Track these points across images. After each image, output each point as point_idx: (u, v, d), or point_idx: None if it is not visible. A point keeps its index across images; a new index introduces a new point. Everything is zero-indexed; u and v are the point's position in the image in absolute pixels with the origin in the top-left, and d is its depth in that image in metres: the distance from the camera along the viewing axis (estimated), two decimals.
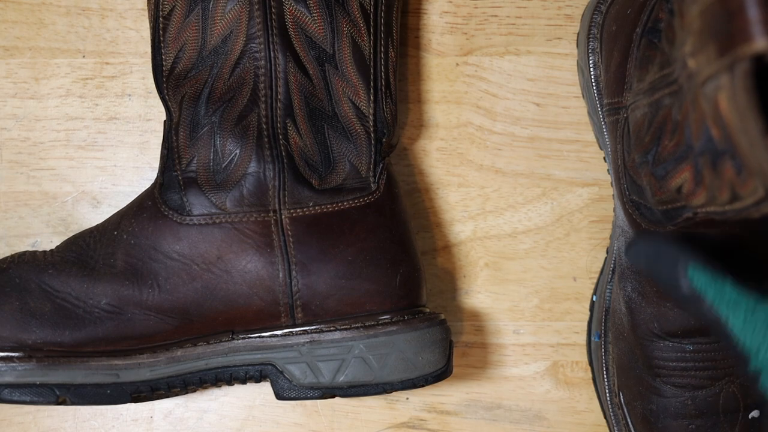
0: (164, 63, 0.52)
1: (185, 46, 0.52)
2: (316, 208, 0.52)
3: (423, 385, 0.51)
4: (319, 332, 0.51)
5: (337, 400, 0.59)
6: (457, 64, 0.60)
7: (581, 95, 0.59)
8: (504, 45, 0.60)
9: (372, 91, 0.53)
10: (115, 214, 0.54)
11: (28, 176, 0.60)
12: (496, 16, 0.61)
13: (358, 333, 0.51)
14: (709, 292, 0.36)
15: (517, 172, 0.60)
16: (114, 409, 0.59)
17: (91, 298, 0.50)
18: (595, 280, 0.60)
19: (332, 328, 0.51)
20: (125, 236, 0.52)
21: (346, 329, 0.51)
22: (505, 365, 0.59)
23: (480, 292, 0.60)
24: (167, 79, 0.52)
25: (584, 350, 0.59)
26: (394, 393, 0.59)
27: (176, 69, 0.52)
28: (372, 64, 0.53)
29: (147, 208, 0.52)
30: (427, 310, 0.54)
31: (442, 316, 0.53)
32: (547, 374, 0.59)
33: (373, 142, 0.53)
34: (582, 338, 0.59)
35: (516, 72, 0.60)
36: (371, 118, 0.53)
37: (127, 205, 0.53)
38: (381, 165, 0.53)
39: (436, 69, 0.60)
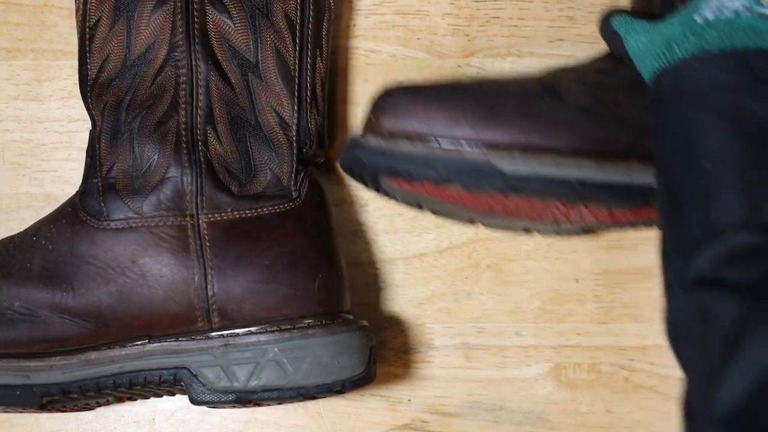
0: (89, 72, 0.53)
1: (110, 55, 0.53)
2: (235, 213, 0.52)
3: (340, 391, 0.51)
4: (234, 336, 0.51)
5: (339, 400, 0.59)
6: (459, 66, 0.60)
7: None
8: (506, 47, 0.60)
9: (296, 101, 0.53)
10: (37, 221, 0.54)
11: (31, 178, 0.60)
12: (498, 17, 0.61)
13: (273, 336, 0.51)
14: (622, 27, 0.48)
15: None
16: (116, 410, 0.59)
17: (4, 300, 0.51)
18: (597, 282, 0.59)
19: (248, 332, 0.51)
20: (43, 242, 0.52)
21: (261, 333, 0.51)
22: (508, 367, 0.59)
23: (482, 294, 0.60)
24: (91, 88, 0.53)
25: (585, 352, 0.59)
26: (396, 394, 0.59)
27: (100, 78, 0.53)
28: (297, 74, 0.53)
29: (67, 214, 0.53)
30: (349, 317, 0.54)
31: (364, 323, 0.53)
32: (550, 376, 0.59)
33: (295, 151, 0.53)
34: (584, 339, 0.59)
35: (518, 73, 0.60)
36: (294, 127, 0.53)
37: (50, 213, 0.54)
38: (303, 173, 0.54)
39: (439, 70, 0.60)
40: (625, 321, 0.59)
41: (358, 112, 0.60)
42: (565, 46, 0.60)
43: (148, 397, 0.55)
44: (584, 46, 0.60)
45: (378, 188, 0.52)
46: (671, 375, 0.59)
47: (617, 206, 0.49)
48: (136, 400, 0.56)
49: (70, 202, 0.53)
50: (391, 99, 0.50)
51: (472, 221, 0.55)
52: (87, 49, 0.53)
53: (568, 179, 0.48)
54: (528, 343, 0.59)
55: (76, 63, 0.60)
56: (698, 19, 0.43)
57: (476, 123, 0.49)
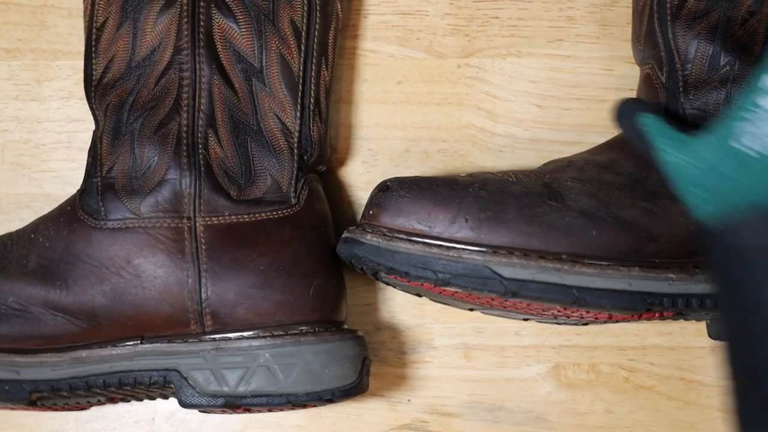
0: (94, 73, 0.53)
1: (115, 56, 0.53)
2: (232, 217, 0.52)
3: (330, 400, 0.51)
4: (226, 340, 0.51)
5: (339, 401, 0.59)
6: (459, 66, 0.60)
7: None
8: (506, 47, 0.60)
9: (299, 107, 0.53)
10: (36, 219, 0.54)
11: (30, 178, 0.60)
12: (497, 17, 0.61)
13: (265, 342, 0.51)
14: (654, 133, 0.44)
15: None
16: (116, 411, 0.59)
17: None
18: None
19: (239, 337, 0.51)
20: (41, 239, 0.52)
21: (253, 338, 0.51)
22: (507, 367, 0.59)
23: None
24: (95, 88, 0.53)
25: (585, 352, 0.59)
26: (395, 394, 0.59)
27: (105, 79, 0.53)
28: (301, 81, 0.53)
29: (66, 213, 0.53)
30: (344, 326, 0.53)
31: (359, 333, 0.53)
32: (549, 376, 0.59)
33: (296, 158, 0.53)
34: (583, 340, 0.59)
35: (518, 74, 0.60)
36: (296, 134, 0.53)
37: (49, 211, 0.54)
38: (303, 180, 0.54)
39: (438, 71, 0.60)
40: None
41: (357, 112, 0.60)
42: (565, 47, 0.60)
43: (141, 399, 0.55)
44: (584, 46, 0.60)
45: (377, 279, 0.52)
46: (671, 375, 0.59)
47: (617, 311, 0.49)
48: (129, 401, 0.56)
49: (71, 201, 0.54)
50: (391, 196, 0.50)
51: (472, 310, 0.55)
52: (93, 49, 0.53)
53: (567, 285, 0.48)
54: (527, 343, 0.59)
55: (75, 63, 0.60)
56: (738, 146, 0.39)
57: (477, 225, 0.48)
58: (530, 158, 0.60)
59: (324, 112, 0.55)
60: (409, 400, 0.59)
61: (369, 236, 0.50)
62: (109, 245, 0.51)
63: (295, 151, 0.53)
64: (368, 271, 0.51)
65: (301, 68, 0.53)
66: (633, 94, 0.59)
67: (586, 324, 0.55)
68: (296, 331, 0.51)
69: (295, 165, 0.53)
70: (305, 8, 0.53)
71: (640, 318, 0.51)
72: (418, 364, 0.59)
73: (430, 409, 0.59)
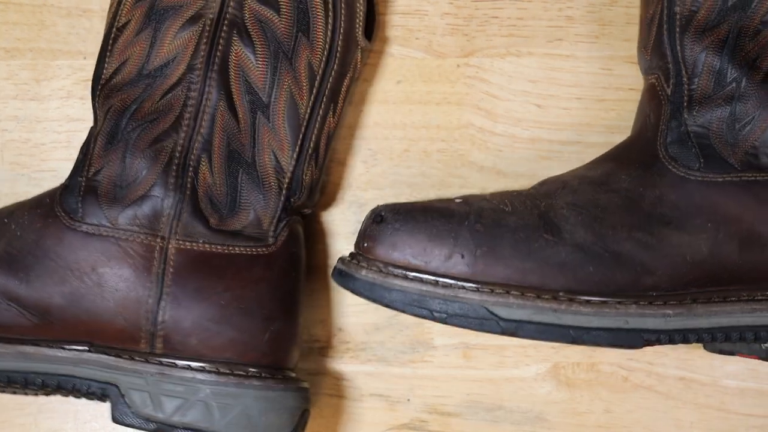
0: (104, 71, 0.53)
1: (129, 60, 0.53)
2: (206, 245, 0.52)
3: None
4: (171, 366, 0.51)
5: (339, 400, 0.59)
6: (458, 66, 0.60)
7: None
8: (505, 46, 0.60)
9: (297, 149, 0.53)
10: (13, 203, 0.54)
11: (30, 178, 0.60)
12: (496, 17, 0.61)
13: (209, 377, 0.50)
14: None
15: (518, 173, 0.60)
16: None
17: None
18: None
19: (186, 366, 0.51)
20: (14, 226, 0.52)
21: (198, 370, 0.51)
22: (506, 366, 0.59)
23: None
24: (102, 87, 0.53)
25: (584, 351, 0.59)
26: (395, 394, 0.59)
27: (113, 80, 0.53)
28: (305, 124, 0.53)
29: (44, 205, 0.53)
30: (292, 375, 0.53)
31: (305, 384, 0.53)
32: (548, 375, 0.59)
33: (283, 198, 0.53)
34: None
35: (517, 73, 0.60)
36: (289, 174, 0.53)
37: (28, 199, 0.54)
38: (284, 222, 0.53)
39: (437, 70, 0.60)
40: None
41: (357, 112, 0.60)
42: (564, 46, 0.60)
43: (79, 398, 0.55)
44: (583, 45, 0.60)
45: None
46: (670, 374, 0.59)
47: (614, 348, 0.50)
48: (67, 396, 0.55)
49: (51, 194, 0.53)
50: (386, 229, 0.49)
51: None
52: (109, 47, 0.53)
53: (564, 326, 0.48)
54: (527, 342, 0.59)
55: (74, 63, 0.60)
56: None
57: (473, 261, 0.48)
58: (529, 158, 0.60)
59: (321, 158, 0.55)
60: (408, 400, 0.59)
61: (364, 272, 0.49)
62: (78, 248, 0.51)
63: (284, 191, 0.53)
64: (365, 300, 0.51)
65: (308, 111, 0.53)
66: (633, 94, 0.59)
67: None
68: (242, 372, 0.51)
69: (281, 205, 0.53)
70: (325, 53, 0.53)
71: (638, 349, 0.51)
72: (418, 363, 0.59)
73: (429, 409, 0.59)
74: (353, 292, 0.50)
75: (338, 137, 0.60)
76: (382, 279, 0.49)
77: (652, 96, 0.54)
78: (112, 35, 0.53)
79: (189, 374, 0.50)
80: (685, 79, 0.52)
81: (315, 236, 0.60)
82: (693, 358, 0.59)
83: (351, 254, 0.51)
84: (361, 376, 0.59)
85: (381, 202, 0.59)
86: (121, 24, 0.53)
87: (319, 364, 0.59)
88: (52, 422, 0.59)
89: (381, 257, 0.49)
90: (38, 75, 0.60)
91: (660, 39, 0.53)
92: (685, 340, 0.49)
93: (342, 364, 0.59)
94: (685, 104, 0.51)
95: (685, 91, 0.52)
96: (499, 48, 0.60)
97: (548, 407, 0.59)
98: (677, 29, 0.52)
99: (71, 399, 0.57)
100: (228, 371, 0.51)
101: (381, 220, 0.50)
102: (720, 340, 0.50)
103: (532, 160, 0.60)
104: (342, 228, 0.60)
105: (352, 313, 0.59)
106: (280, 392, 0.51)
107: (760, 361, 0.55)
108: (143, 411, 0.50)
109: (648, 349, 0.59)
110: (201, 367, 0.51)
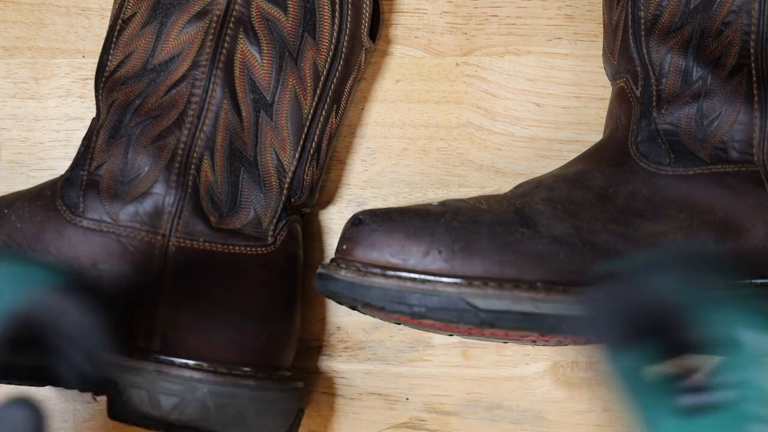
0: (109, 64, 0.53)
1: (133, 53, 0.53)
2: (206, 244, 0.52)
3: None
4: (169, 364, 0.51)
5: (338, 399, 0.59)
6: (457, 64, 0.60)
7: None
8: (504, 45, 0.60)
9: (299, 149, 0.53)
10: (13, 193, 0.54)
11: (28, 176, 0.60)
12: (496, 16, 0.61)
13: (206, 376, 0.50)
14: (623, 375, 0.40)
15: (517, 172, 0.60)
16: None
17: None
18: None
19: (184, 364, 0.51)
20: (13, 218, 0.52)
21: (196, 369, 0.50)
22: (505, 365, 0.59)
23: None
24: (106, 80, 0.53)
25: (583, 350, 0.59)
26: (394, 393, 0.59)
27: (117, 73, 0.53)
28: (308, 124, 0.53)
29: (45, 197, 0.52)
30: (287, 374, 0.53)
31: (300, 384, 0.53)
32: (548, 374, 0.59)
33: (283, 198, 0.53)
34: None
35: (516, 72, 0.60)
36: (290, 174, 0.53)
37: (28, 189, 0.54)
38: (284, 222, 0.53)
39: (436, 69, 0.60)
40: None
41: (356, 110, 0.60)
42: (563, 45, 0.60)
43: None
44: (582, 44, 0.60)
45: (357, 310, 0.52)
46: None
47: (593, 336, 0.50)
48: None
49: (51, 185, 0.53)
50: (364, 230, 0.50)
51: (451, 335, 0.55)
52: (113, 40, 0.53)
53: (543, 314, 0.48)
54: None
55: (73, 61, 0.60)
56: None
57: (450, 256, 0.48)
58: (528, 156, 0.60)
59: (322, 159, 0.55)
60: (407, 399, 0.59)
61: (343, 272, 0.49)
62: (79, 244, 0.51)
63: (285, 191, 0.53)
64: (346, 305, 0.51)
65: (312, 112, 0.53)
66: None
67: (565, 345, 0.55)
68: (239, 372, 0.51)
69: (281, 205, 0.53)
70: (330, 54, 0.53)
71: None
72: (416, 362, 0.59)
73: (428, 408, 0.59)
74: (333, 294, 0.50)
75: (337, 136, 0.60)
76: (361, 278, 0.49)
77: (621, 99, 0.54)
78: (118, 27, 0.53)
79: (187, 373, 0.50)
80: (653, 80, 0.53)
81: (313, 235, 0.60)
82: (692, 357, 0.59)
83: (331, 259, 0.52)
84: (360, 375, 0.59)
85: (380, 201, 0.60)
86: (126, 16, 0.53)
87: (317, 362, 0.59)
88: (52, 422, 0.59)
89: (360, 258, 0.49)
90: (37, 74, 0.60)
91: (626, 43, 0.54)
92: None
93: (340, 362, 0.59)
94: (654, 104, 0.52)
95: (654, 91, 0.52)
96: (498, 47, 0.60)
97: (547, 406, 0.59)
98: (642, 33, 0.53)
99: (70, 399, 0.57)
100: (225, 371, 0.50)
101: (359, 223, 0.50)
102: None
103: (531, 159, 0.60)
104: (340, 226, 0.60)
105: (350, 311, 0.59)
106: (275, 393, 0.51)
107: None
108: (141, 408, 0.50)
109: None
110: (198, 365, 0.50)
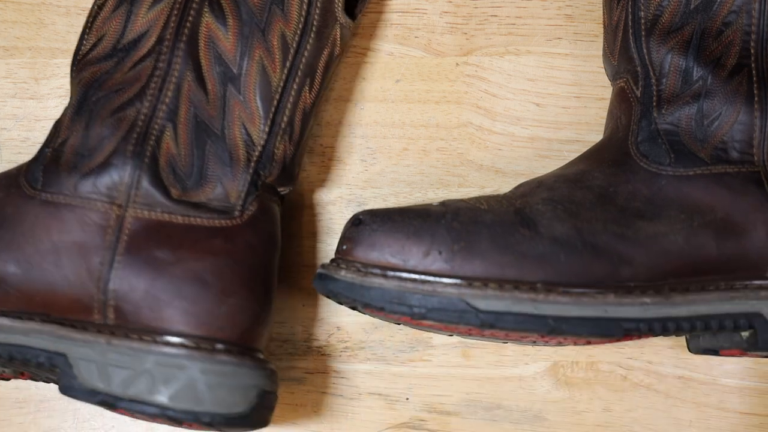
0: (82, 48, 0.53)
1: (105, 35, 0.53)
2: (165, 215, 0.51)
3: (210, 425, 0.48)
4: (122, 337, 0.49)
5: (337, 399, 0.59)
6: (457, 64, 0.60)
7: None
8: (504, 45, 0.60)
9: (269, 123, 0.53)
10: None
11: None
12: (496, 16, 0.61)
13: (154, 347, 0.49)
14: None
15: (517, 172, 0.60)
16: None
17: None
18: None
19: (136, 337, 0.49)
20: None
21: (147, 342, 0.49)
22: (505, 365, 0.59)
23: None
24: (78, 62, 0.53)
25: (583, 350, 0.59)
26: (394, 393, 0.59)
27: (89, 55, 0.53)
28: (278, 97, 0.53)
29: (10, 176, 0.52)
30: (257, 354, 0.51)
31: (270, 366, 0.51)
32: (547, 374, 0.59)
33: (251, 171, 0.53)
34: None
35: (516, 72, 0.60)
36: (259, 148, 0.53)
37: (4, 171, 0.54)
38: (252, 196, 0.52)
39: (437, 69, 0.60)
40: None
41: (356, 110, 0.60)
42: (563, 45, 0.60)
43: (36, 380, 0.54)
44: (582, 44, 0.60)
45: (357, 311, 0.52)
46: (668, 373, 0.59)
47: (595, 338, 0.49)
48: (36, 380, 0.55)
49: (20, 166, 0.53)
50: (364, 230, 0.49)
51: (451, 335, 0.55)
52: (89, 26, 0.53)
53: (543, 315, 0.48)
54: None
55: None
56: None
57: (450, 257, 0.48)
58: (528, 156, 0.60)
59: (296, 134, 0.54)
60: (407, 399, 0.59)
61: (343, 272, 0.49)
62: (35, 216, 0.51)
63: (252, 164, 0.53)
64: (346, 306, 0.51)
65: (281, 84, 0.53)
66: None
67: (565, 346, 0.55)
68: (190, 344, 0.49)
69: (249, 179, 0.52)
70: (300, 26, 0.53)
71: (619, 341, 0.51)
72: (417, 362, 0.59)
73: (428, 408, 0.59)
74: (333, 294, 0.50)
75: (337, 136, 0.60)
76: (361, 279, 0.49)
77: (621, 99, 0.54)
78: (93, 13, 0.53)
79: (136, 344, 0.49)
80: (653, 80, 0.53)
81: (313, 235, 0.60)
82: (692, 356, 0.59)
83: (331, 259, 0.51)
84: (360, 375, 0.59)
85: (380, 201, 0.60)
86: (102, 1, 0.53)
87: (317, 362, 0.59)
88: (51, 421, 0.59)
89: (360, 258, 0.49)
90: (37, 74, 0.60)
91: (626, 44, 0.54)
92: (665, 330, 0.49)
93: (340, 362, 0.59)
94: (655, 104, 0.52)
95: (654, 92, 0.53)
96: (498, 47, 0.60)
97: (547, 406, 0.59)
98: (643, 33, 0.53)
99: (70, 398, 0.57)
100: (177, 342, 0.49)
101: (359, 223, 0.50)
102: (700, 329, 0.50)
103: (531, 159, 0.60)
104: (340, 226, 0.60)
105: (350, 311, 0.59)
106: (231, 367, 0.49)
107: (747, 357, 0.55)
108: (89, 382, 0.49)
109: (647, 348, 0.59)
110: (150, 337, 0.49)
